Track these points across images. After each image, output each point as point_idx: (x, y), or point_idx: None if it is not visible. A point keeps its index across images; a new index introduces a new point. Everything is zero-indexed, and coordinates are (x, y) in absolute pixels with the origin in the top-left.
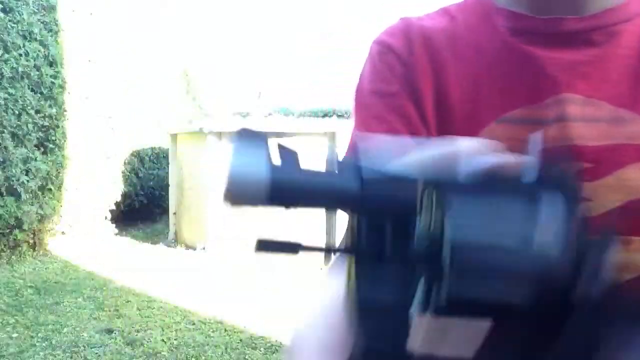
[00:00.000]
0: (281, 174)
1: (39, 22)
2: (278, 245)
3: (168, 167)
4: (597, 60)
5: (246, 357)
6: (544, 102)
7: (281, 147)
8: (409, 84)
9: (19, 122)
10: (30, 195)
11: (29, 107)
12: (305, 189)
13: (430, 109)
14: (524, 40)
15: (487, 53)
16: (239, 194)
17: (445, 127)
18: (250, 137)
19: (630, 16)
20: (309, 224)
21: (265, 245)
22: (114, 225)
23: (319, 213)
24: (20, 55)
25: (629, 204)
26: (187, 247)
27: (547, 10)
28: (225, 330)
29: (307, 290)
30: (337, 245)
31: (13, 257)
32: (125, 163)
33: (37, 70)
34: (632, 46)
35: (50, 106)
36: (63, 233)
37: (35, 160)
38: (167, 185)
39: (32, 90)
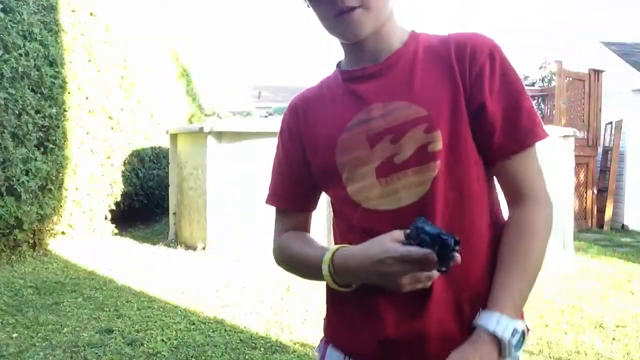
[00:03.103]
0: None
1: (39, 22)
2: None
3: (168, 167)
4: (386, 85)
5: (246, 357)
6: (363, 111)
7: None
8: (300, 142)
9: (19, 122)
10: (30, 195)
11: (29, 107)
12: None
13: (308, 149)
14: (350, 82)
15: (336, 97)
16: None
17: (313, 150)
18: None
19: (403, 52)
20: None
21: None
22: (114, 225)
23: (320, 213)
24: (20, 55)
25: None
26: (187, 247)
27: (359, 63)
28: (225, 330)
29: (308, 290)
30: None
31: (13, 257)
32: (125, 163)
33: (37, 70)
34: (406, 64)
35: (50, 106)
36: (63, 233)
37: (35, 160)
38: (167, 185)
39: (32, 90)
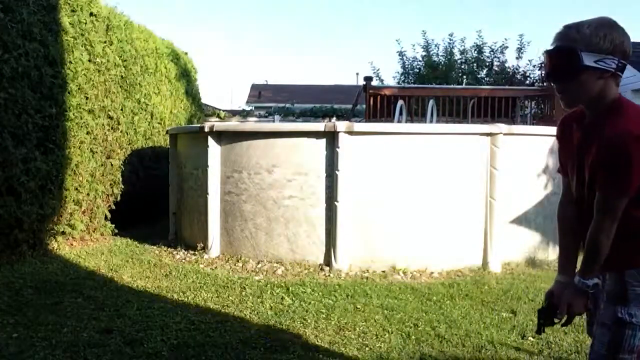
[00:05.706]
0: None
1: (39, 22)
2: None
3: (168, 167)
4: (585, 140)
5: (246, 357)
6: (577, 150)
7: None
8: (560, 144)
9: (19, 122)
10: (30, 195)
11: (29, 107)
12: None
13: (560, 150)
14: (582, 130)
15: (572, 132)
16: None
17: (562, 152)
18: None
19: (597, 121)
20: (310, 224)
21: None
22: (113, 225)
23: (320, 213)
24: (20, 55)
25: None
26: (187, 247)
27: (586, 116)
28: (225, 330)
29: (308, 290)
30: None
31: (13, 257)
32: (125, 163)
33: (37, 70)
34: (594, 131)
35: (50, 106)
36: (63, 233)
37: (35, 160)
38: (167, 185)
39: (32, 90)
